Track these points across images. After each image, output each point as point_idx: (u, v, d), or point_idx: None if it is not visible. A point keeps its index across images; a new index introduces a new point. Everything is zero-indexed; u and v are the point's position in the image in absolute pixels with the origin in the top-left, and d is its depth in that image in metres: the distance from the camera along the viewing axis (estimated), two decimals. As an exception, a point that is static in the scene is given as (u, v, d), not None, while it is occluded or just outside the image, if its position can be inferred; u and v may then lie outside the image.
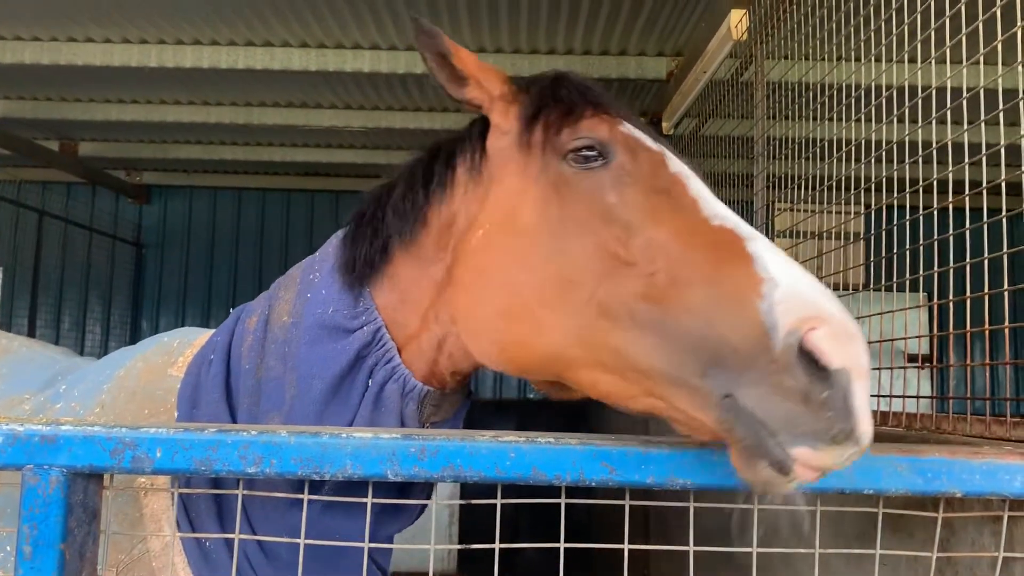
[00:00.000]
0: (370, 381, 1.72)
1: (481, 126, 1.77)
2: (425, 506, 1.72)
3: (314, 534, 1.71)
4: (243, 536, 1.47)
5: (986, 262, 1.92)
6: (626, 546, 1.37)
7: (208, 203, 11.74)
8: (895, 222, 2.52)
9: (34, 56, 6.60)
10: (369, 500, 1.38)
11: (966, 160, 2.05)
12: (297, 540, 1.40)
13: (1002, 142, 1.88)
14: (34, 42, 6.62)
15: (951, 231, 2.13)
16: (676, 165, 1.56)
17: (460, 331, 1.69)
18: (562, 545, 1.37)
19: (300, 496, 1.43)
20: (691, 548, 1.37)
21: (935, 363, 2.78)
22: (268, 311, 1.87)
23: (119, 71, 6.89)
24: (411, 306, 1.76)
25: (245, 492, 1.44)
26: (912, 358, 2.46)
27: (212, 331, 2.17)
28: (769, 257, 1.28)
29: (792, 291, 1.21)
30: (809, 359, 1.15)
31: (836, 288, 2.98)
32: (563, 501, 1.37)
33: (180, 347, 2.11)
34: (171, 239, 11.73)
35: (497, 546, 1.38)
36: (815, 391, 1.14)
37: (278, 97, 8.07)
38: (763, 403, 1.17)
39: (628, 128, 1.60)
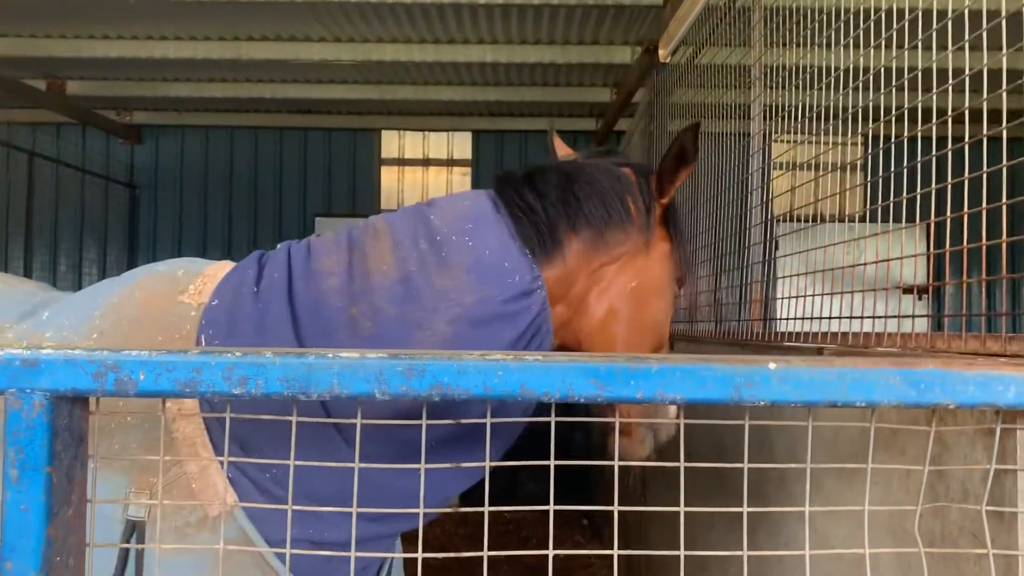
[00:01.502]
0: (534, 335, 2.11)
1: (649, 190, 2.33)
2: (523, 425, 2.06)
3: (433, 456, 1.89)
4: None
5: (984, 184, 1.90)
6: (616, 463, 1.36)
7: (200, 142, 11.61)
8: (891, 142, 2.47)
9: (14, -10, 6.45)
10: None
11: (949, 84, 2.00)
12: (289, 463, 1.39)
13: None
14: (14, -25, 6.46)
15: (937, 152, 2.09)
16: None
17: (588, 332, 2.24)
18: (552, 463, 1.36)
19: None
20: (681, 464, 1.37)
21: (932, 286, 2.77)
22: (349, 256, 2.04)
23: (103, 5, 6.76)
24: (565, 285, 2.19)
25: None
26: (909, 290, 2.46)
27: (222, 263, 2.16)
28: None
29: None
30: None
31: (834, 220, 2.94)
32: (552, 420, 1.36)
33: (186, 276, 2.10)
34: (164, 179, 11.62)
35: (487, 463, 1.38)
36: None
37: (266, 31, 7.91)
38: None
39: None
